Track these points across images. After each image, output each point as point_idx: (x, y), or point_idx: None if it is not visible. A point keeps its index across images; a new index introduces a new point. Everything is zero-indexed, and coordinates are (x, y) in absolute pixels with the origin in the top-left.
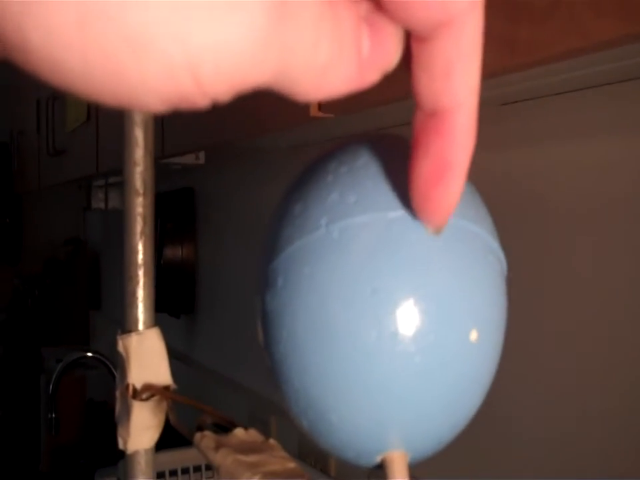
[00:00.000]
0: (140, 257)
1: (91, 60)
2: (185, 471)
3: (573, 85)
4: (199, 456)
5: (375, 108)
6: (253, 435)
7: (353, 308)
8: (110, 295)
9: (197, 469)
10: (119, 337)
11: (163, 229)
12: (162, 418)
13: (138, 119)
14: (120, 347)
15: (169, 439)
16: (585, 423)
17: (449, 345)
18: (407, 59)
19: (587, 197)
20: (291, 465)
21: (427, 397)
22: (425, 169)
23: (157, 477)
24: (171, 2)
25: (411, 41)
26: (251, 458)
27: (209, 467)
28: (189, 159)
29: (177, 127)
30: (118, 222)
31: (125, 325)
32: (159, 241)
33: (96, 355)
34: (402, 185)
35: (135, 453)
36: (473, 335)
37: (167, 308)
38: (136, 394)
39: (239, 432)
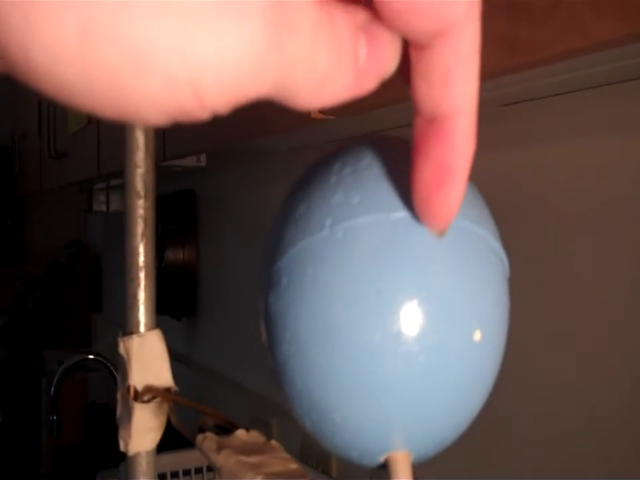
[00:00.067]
0: (141, 259)
1: (93, 76)
2: (187, 472)
3: (573, 85)
4: (201, 457)
5: (376, 110)
6: (254, 436)
7: (356, 308)
8: (111, 297)
9: (199, 470)
10: (120, 339)
11: (164, 231)
12: (163, 420)
13: None
14: (121, 349)
15: (171, 440)
16: (584, 423)
17: (452, 346)
18: (405, 66)
19: (587, 197)
20: (293, 465)
21: (430, 397)
22: (425, 175)
23: (159, 479)
24: (171, 18)
25: (409, 48)
26: (253, 459)
27: (210, 469)
28: (190, 161)
29: (177, 130)
30: (119, 224)
31: (126, 327)
32: (160, 243)
33: (97, 358)
34: (405, 185)
35: (136, 454)
36: (477, 336)
37: (168, 310)
38: (137, 396)
39: (240, 433)
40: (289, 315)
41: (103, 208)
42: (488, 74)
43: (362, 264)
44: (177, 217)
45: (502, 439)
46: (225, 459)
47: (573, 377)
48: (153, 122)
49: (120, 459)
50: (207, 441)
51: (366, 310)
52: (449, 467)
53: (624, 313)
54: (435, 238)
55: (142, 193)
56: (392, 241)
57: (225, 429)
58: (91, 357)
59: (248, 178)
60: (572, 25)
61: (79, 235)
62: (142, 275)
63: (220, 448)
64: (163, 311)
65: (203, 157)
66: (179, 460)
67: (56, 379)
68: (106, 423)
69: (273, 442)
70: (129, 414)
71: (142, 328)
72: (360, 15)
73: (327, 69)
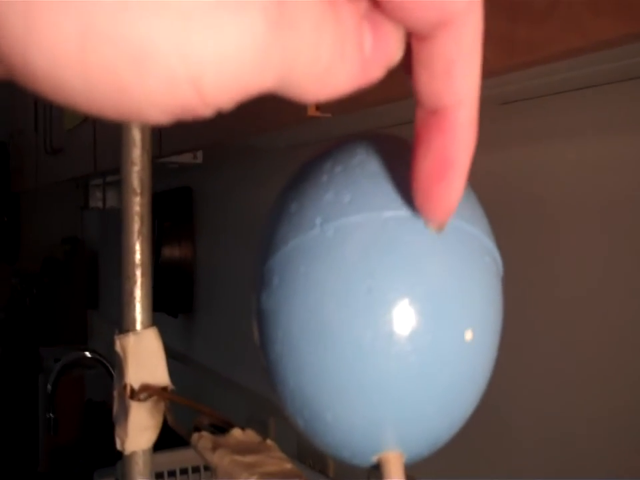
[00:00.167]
0: (137, 256)
1: (93, 77)
2: (184, 471)
3: (572, 84)
4: (198, 457)
5: (373, 107)
6: (250, 435)
7: (348, 307)
8: (108, 294)
9: (196, 469)
10: (116, 337)
11: (161, 228)
12: (160, 418)
13: None
14: (117, 347)
15: (168, 439)
16: (584, 423)
17: (444, 345)
18: (407, 57)
19: (585, 196)
20: (288, 465)
21: (422, 396)
22: (426, 167)
23: (156, 478)
24: (169, 16)
25: (411, 39)
26: (248, 458)
27: (207, 468)
28: (186, 158)
29: (174, 126)
30: (116, 221)
31: (123, 324)
32: (157, 240)
33: (95, 355)
34: (397, 184)
35: (133, 453)
36: (469, 335)
37: (164, 307)
38: (133, 394)
39: (236, 432)
40: (281, 314)
41: (100, 204)
42: (487, 72)
43: (353, 262)
44: (173, 214)
45: (501, 439)
46: (220, 459)
47: (572, 377)
48: (155, 121)
49: (117, 457)
50: (203, 440)
51: (357, 308)
52: (448, 467)
53: (623, 312)
54: (427, 237)
55: (138, 190)
56: (383, 239)
57: (221, 428)
58: (88, 354)
59: (245, 175)
60: (571, 24)
61: (75, 231)
62: (138, 272)
63: (215, 447)
64: (160, 308)
65: (200, 154)
66: (176, 459)
67: (53, 376)
68: (103, 420)
69: (269, 441)
70: (125, 412)
71: (138, 326)
72: (363, 4)
73: (331, 60)
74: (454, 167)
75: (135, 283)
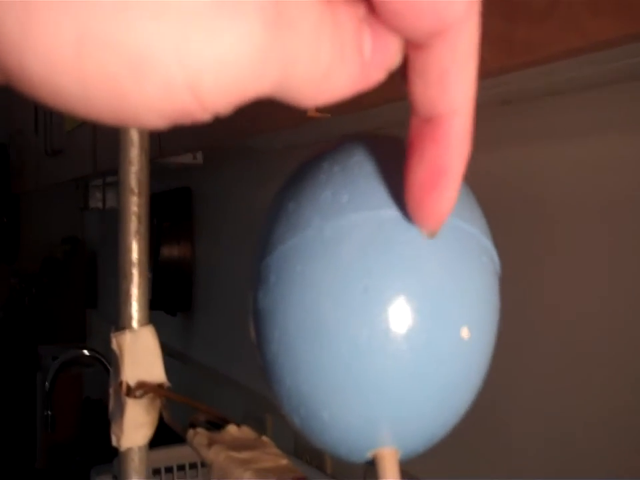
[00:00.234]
0: (134, 255)
1: (90, 83)
2: (181, 468)
3: (571, 84)
4: (195, 453)
5: (372, 108)
6: (245, 431)
7: (344, 306)
8: (106, 293)
9: (193, 465)
10: (112, 335)
11: (160, 228)
12: (155, 415)
13: None
14: (114, 345)
15: (165, 436)
16: (584, 423)
17: (440, 343)
18: (403, 64)
19: (585, 196)
20: (284, 461)
21: (418, 394)
22: (419, 175)
23: (153, 474)
24: (166, 21)
25: (407, 46)
26: (244, 455)
27: (204, 464)
28: (186, 159)
29: (174, 127)
30: (115, 221)
31: (119, 322)
32: (156, 240)
33: (92, 353)
34: (395, 184)
35: (129, 450)
36: (465, 333)
37: (163, 306)
38: (130, 391)
39: (231, 429)
40: (277, 312)
41: (99, 205)
42: (486, 73)
43: (349, 261)
44: (172, 214)
45: (501, 439)
46: (215, 455)
47: (571, 377)
48: (153, 126)
49: (114, 455)
50: (198, 436)
51: (353, 307)
52: (449, 467)
53: (622, 312)
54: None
55: (136, 190)
56: (380, 239)
57: (217, 425)
58: (86, 352)
59: (244, 175)
60: (570, 24)
61: (75, 231)
62: (135, 271)
63: (211, 443)
64: (159, 307)
65: (199, 155)
66: (173, 455)
67: (51, 374)
68: (101, 418)
69: (264, 438)
70: (121, 409)
71: (135, 324)
72: (362, 9)
73: (330, 63)
74: (447, 176)
75: (131, 281)
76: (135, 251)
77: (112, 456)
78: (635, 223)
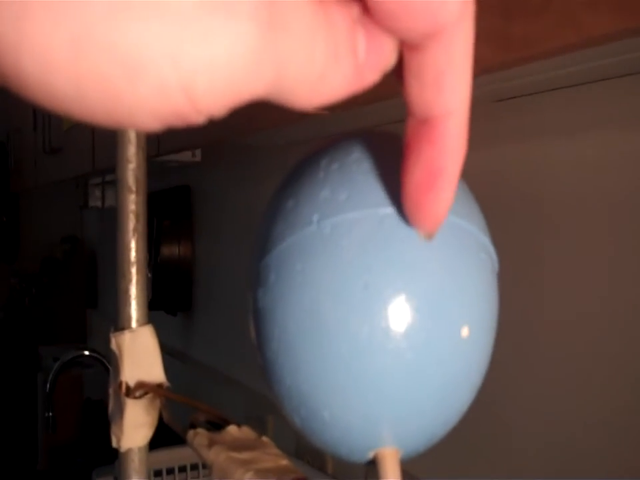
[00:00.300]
0: (133, 254)
1: (85, 85)
2: (182, 469)
3: (568, 80)
4: (195, 454)
5: (370, 105)
6: (246, 432)
7: (344, 304)
8: (107, 293)
9: (194, 467)
10: (112, 335)
11: (160, 227)
12: (155, 416)
13: None
14: (113, 345)
15: (167, 437)
16: (584, 423)
17: (440, 341)
18: (398, 65)
19: (582, 192)
20: (284, 462)
21: (418, 393)
22: (416, 176)
23: (154, 475)
24: (160, 23)
25: (402, 48)
26: (244, 455)
27: (205, 466)
28: (185, 157)
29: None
30: (114, 220)
31: (118, 322)
32: (156, 239)
33: (93, 354)
34: (393, 181)
35: (129, 450)
36: (465, 332)
37: (163, 305)
38: (129, 391)
39: (232, 429)
40: (277, 311)
41: (99, 203)
42: (482, 69)
43: (349, 259)
44: (172, 212)
45: (501, 439)
46: (215, 455)
47: (571, 378)
48: (148, 128)
49: (116, 456)
50: (198, 437)
51: (353, 304)
52: (449, 467)
53: (622, 311)
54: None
55: (133, 188)
56: (379, 236)
57: (217, 425)
58: (87, 352)
59: (243, 173)
60: (566, 19)
61: (75, 230)
62: (134, 270)
63: (211, 444)
64: (158, 307)
65: (198, 152)
66: (174, 456)
67: (51, 375)
68: (101, 419)
69: (265, 438)
70: (120, 410)
71: (134, 323)
72: (355, 10)
73: (324, 65)
74: (443, 177)
75: (130, 281)
76: (134, 249)
77: (113, 457)
78: (634, 219)
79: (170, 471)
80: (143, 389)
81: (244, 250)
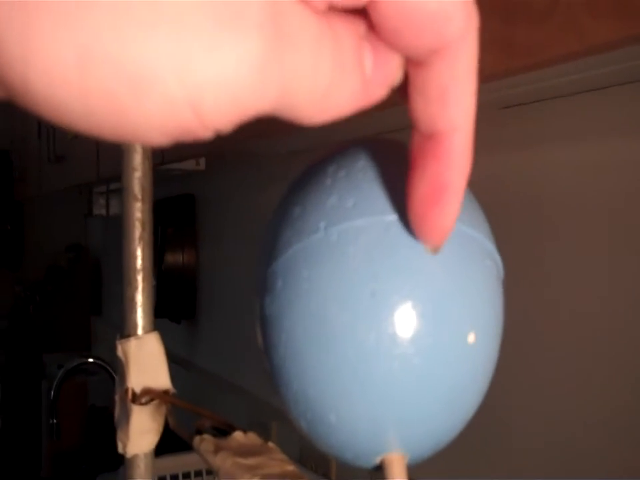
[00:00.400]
0: (139, 262)
1: (92, 101)
2: (186, 475)
3: (572, 88)
4: (200, 461)
5: (375, 112)
6: (251, 438)
7: (351, 310)
8: (111, 300)
9: (198, 473)
10: (118, 342)
11: (164, 235)
12: (161, 422)
13: None
14: (119, 352)
15: (171, 443)
16: (585, 423)
17: (447, 347)
18: (403, 81)
19: (585, 199)
20: (290, 467)
21: (425, 398)
22: (421, 191)
23: None
24: (167, 39)
25: (407, 64)
26: (250, 461)
27: (209, 472)
28: (189, 165)
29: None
30: (119, 228)
31: (124, 329)
32: (160, 247)
33: (97, 361)
34: (400, 188)
35: (135, 457)
36: (471, 337)
37: (167, 313)
38: (135, 398)
39: (238, 435)
40: (284, 318)
41: (103, 212)
42: (486, 77)
43: (356, 266)
44: (176, 220)
45: (502, 440)
46: (222, 461)
47: (572, 378)
48: (155, 143)
49: (120, 462)
50: (205, 442)
51: (360, 312)
52: (449, 467)
53: (623, 313)
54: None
55: (139, 196)
56: (386, 243)
57: (223, 431)
58: (91, 360)
59: (247, 181)
60: (569, 27)
61: (79, 238)
62: (139, 277)
63: (217, 450)
64: (163, 314)
65: (202, 161)
66: (178, 463)
67: (56, 382)
68: (106, 426)
69: (270, 444)
70: (126, 416)
71: (140, 331)
72: (362, 26)
73: (331, 80)
74: (449, 192)
75: (136, 288)
76: (139, 257)
77: (117, 464)
78: (635, 225)
79: (174, 478)
80: (149, 395)
81: (247, 257)
